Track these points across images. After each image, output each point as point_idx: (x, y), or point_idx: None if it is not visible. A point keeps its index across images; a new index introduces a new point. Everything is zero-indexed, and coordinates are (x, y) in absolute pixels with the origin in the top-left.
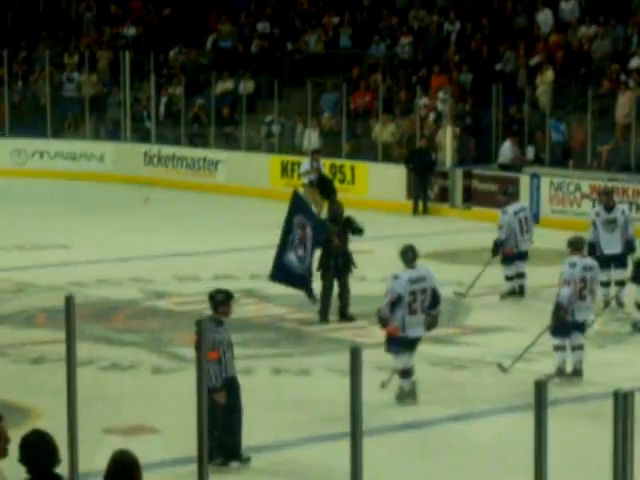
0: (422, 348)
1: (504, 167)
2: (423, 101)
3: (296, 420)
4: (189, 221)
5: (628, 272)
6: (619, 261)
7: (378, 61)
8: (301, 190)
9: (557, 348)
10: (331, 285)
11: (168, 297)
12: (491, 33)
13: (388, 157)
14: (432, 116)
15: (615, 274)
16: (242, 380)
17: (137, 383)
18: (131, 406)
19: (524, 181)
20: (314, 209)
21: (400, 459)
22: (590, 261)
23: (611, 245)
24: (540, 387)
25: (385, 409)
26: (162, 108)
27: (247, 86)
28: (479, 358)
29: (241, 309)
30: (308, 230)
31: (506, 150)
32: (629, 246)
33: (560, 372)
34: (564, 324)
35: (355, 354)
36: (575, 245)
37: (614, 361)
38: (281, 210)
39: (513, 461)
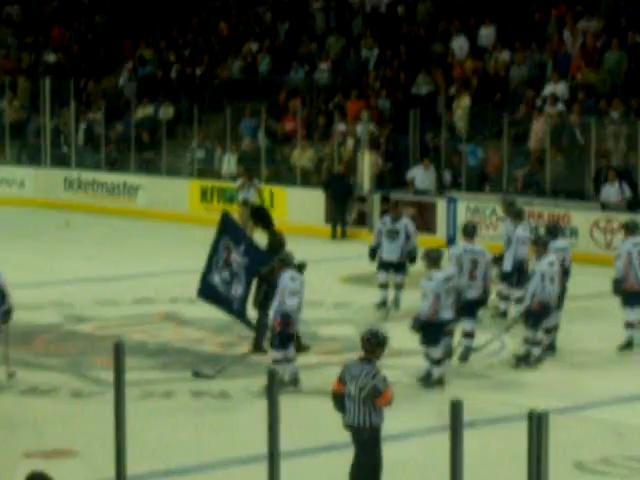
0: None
1: (419, 192)
2: (341, 127)
3: (215, 443)
4: (109, 246)
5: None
6: (507, 278)
7: (296, 86)
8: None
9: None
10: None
11: (88, 321)
12: (408, 59)
13: (307, 182)
14: (350, 141)
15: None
16: (162, 403)
17: (57, 407)
18: (51, 430)
19: (441, 205)
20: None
21: None
22: None
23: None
24: (455, 408)
25: (303, 430)
26: (81, 134)
27: (167, 111)
28: (396, 380)
29: (160, 333)
30: (235, 255)
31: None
32: (520, 265)
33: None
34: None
35: (272, 377)
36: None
37: (529, 382)
38: (201, 235)
39: None
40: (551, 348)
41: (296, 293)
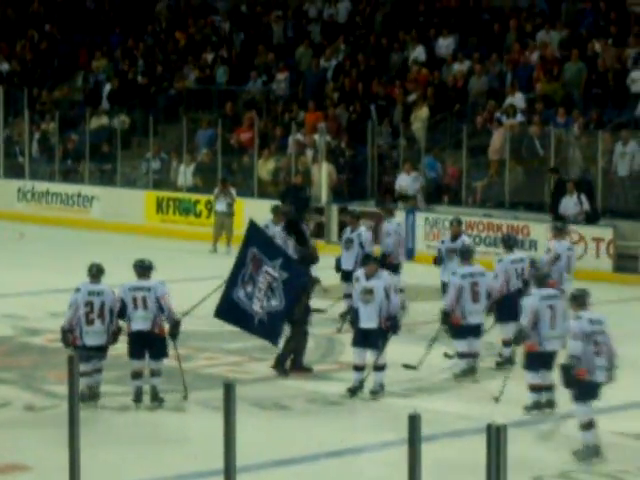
0: (296, 384)
1: (403, 198)
2: (298, 137)
3: (171, 457)
4: (63, 257)
5: None
6: None
7: (253, 97)
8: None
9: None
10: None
11: (42, 334)
12: (366, 70)
13: (264, 193)
14: (308, 152)
15: None
16: (117, 418)
17: (10, 420)
18: (3, 444)
19: (399, 217)
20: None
21: None
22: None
23: (448, 272)
24: (413, 421)
25: (260, 445)
26: (35, 144)
27: (122, 122)
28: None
29: (117, 345)
30: (267, 268)
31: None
32: None
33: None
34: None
35: (228, 390)
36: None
37: (488, 395)
38: (156, 246)
39: None
40: (509, 362)
41: None
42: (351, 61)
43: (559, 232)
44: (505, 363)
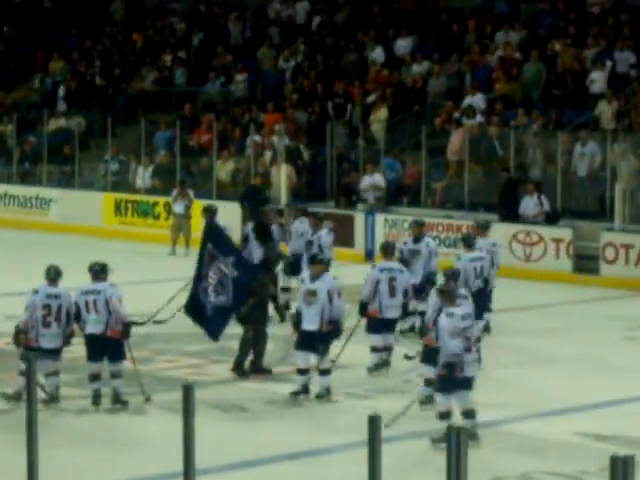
0: (257, 386)
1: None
2: (256, 139)
3: (130, 460)
4: (21, 260)
5: (425, 304)
6: (417, 291)
7: (212, 98)
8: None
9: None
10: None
11: None
12: (325, 71)
13: (223, 194)
14: (267, 154)
15: (413, 304)
16: (76, 421)
17: None
18: None
19: (359, 218)
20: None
21: None
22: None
23: (412, 275)
24: (373, 422)
25: (220, 447)
26: None
27: (80, 124)
28: (313, 395)
29: (75, 348)
30: (221, 265)
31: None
32: (429, 278)
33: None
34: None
35: (187, 392)
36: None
37: None
38: (114, 248)
39: None
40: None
41: None
42: (310, 62)
43: (483, 229)
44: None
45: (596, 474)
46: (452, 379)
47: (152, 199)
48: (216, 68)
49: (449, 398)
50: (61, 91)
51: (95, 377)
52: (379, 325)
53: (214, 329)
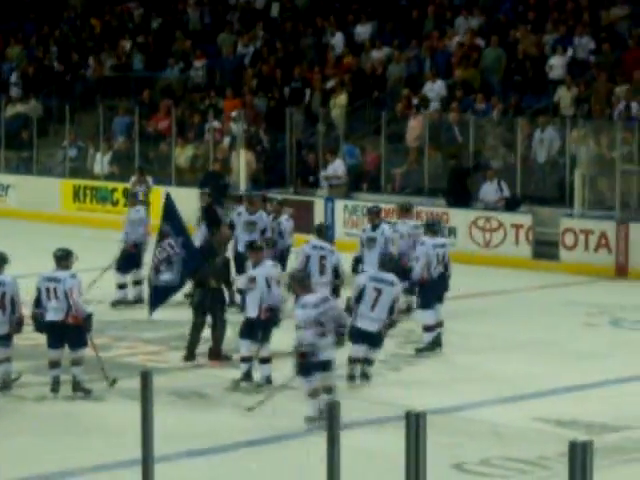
0: (216, 372)
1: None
2: (216, 124)
3: (89, 447)
4: None
5: None
6: None
7: (170, 84)
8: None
9: None
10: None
11: None
12: (285, 56)
13: (182, 181)
14: (226, 140)
15: None
16: (35, 408)
17: None
18: None
19: (319, 204)
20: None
21: None
22: None
23: (369, 262)
24: (332, 409)
25: (180, 434)
26: None
27: (38, 109)
28: (274, 382)
29: (32, 335)
30: (172, 242)
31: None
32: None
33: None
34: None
35: (145, 378)
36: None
37: (408, 382)
38: (73, 235)
39: None
40: (437, 344)
41: None
42: (269, 48)
43: (405, 212)
44: (425, 349)
45: (556, 459)
46: (310, 364)
47: (111, 185)
48: (175, 54)
49: (311, 380)
50: (14, 77)
51: (55, 364)
52: None
53: (151, 304)
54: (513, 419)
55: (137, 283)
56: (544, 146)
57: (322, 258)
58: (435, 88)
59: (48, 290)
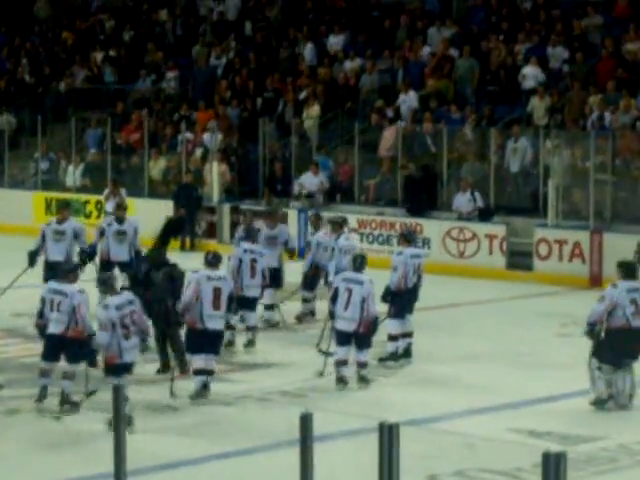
0: (187, 385)
1: (309, 196)
2: (188, 136)
3: (60, 460)
4: None
5: None
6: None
7: (143, 96)
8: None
9: None
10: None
11: None
12: (257, 67)
13: (155, 193)
14: (197, 151)
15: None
16: (5, 421)
17: None
18: None
19: (292, 215)
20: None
21: None
22: None
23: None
24: (305, 421)
25: (152, 448)
26: None
27: (9, 122)
28: (245, 394)
29: (5, 349)
30: None
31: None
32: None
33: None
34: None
35: (117, 392)
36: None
37: (381, 394)
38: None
39: None
40: (407, 354)
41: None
42: (241, 59)
43: (337, 226)
44: (388, 359)
45: (530, 471)
46: (114, 367)
47: (83, 197)
48: (147, 66)
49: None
50: None
51: (45, 373)
52: (239, 303)
53: None
54: (487, 430)
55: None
56: (517, 156)
57: (253, 261)
58: (408, 99)
59: (52, 302)
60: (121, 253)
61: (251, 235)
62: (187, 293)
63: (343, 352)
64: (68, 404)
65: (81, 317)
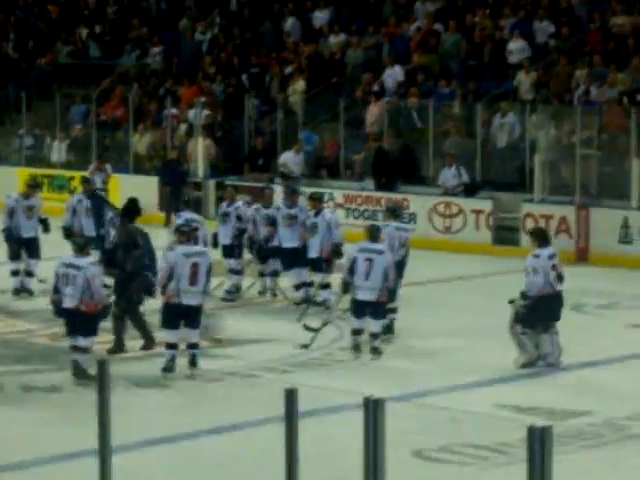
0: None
1: (284, 176)
2: (173, 112)
3: (46, 437)
4: None
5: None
6: (316, 264)
7: (127, 71)
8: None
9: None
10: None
11: None
12: (242, 43)
13: (139, 169)
14: (182, 127)
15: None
16: None
17: None
18: None
19: (278, 191)
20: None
21: (159, 475)
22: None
23: (291, 239)
24: (290, 396)
25: (140, 423)
26: None
27: None
28: (234, 370)
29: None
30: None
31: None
32: (334, 250)
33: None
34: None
35: (102, 366)
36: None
37: (366, 369)
38: None
39: (270, 473)
40: (389, 330)
41: None
42: (226, 34)
43: (294, 194)
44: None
45: (516, 445)
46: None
47: (68, 173)
48: (131, 41)
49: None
50: None
51: (74, 348)
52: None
53: None
54: (473, 405)
55: None
56: (504, 131)
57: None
58: (393, 74)
59: (66, 276)
60: (91, 229)
61: (190, 205)
62: (161, 272)
63: (360, 322)
64: (84, 378)
65: (96, 289)
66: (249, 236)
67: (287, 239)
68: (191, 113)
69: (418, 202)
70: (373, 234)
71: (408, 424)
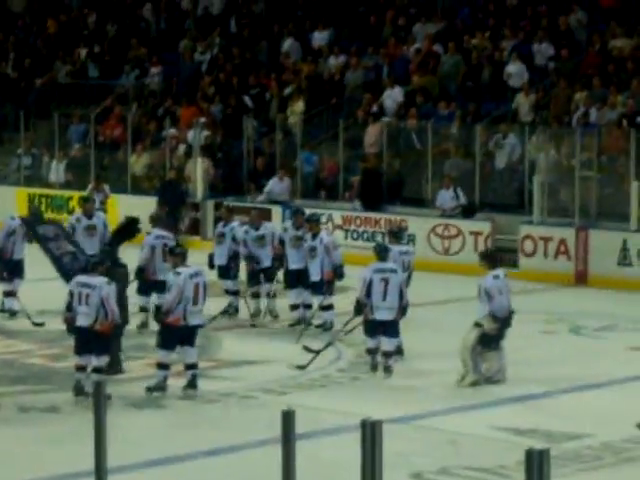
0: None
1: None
2: (172, 132)
3: (43, 456)
4: None
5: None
6: (317, 287)
7: (126, 91)
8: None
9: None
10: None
11: None
12: (241, 63)
13: (138, 189)
14: (182, 147)
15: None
16: None
17: None
18: None
19: (276, 212)
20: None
21: None
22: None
23: (297, 261)
24: (287, 418)
25: (136, 444)
26: None
27: None
28: (231, 392)
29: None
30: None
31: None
32: (335, 272)
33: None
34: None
35: (98, 388)
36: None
37: (365, 390)
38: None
39: None
40: (399, 351)
41: None
42: (225, 54)
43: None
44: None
45: (514, 468)
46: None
47: (66, 193)
48: (130, 61)
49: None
50: None
51: (80, 368)
52: (151, 286)
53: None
54: (471, 428)
55: None
56: (504, 153)
57: (164, 246)
58: (394, 95)
59: (80, 295)
60: (93, 248)
61: (160, 222)
62: (170, 296)
63: (374, 342)
64: (86, 396)
65: (110, 308)
66: (245, 256)
67: (293, 261)
68: (190, 134)
69: (416, 223)
70: (382, 254)
71: (406, 446)
